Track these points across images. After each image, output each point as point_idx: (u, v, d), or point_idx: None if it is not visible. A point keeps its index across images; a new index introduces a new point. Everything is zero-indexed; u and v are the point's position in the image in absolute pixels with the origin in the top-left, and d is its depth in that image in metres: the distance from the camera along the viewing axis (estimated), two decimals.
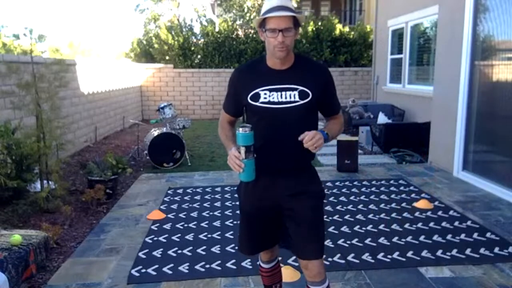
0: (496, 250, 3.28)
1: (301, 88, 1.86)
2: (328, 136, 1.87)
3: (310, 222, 1.90)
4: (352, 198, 4.66)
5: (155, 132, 6.32)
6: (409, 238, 3.53)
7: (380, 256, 3.21)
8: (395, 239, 3.52)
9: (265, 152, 1.86)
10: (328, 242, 3.43)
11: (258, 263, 2.27)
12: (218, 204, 4.52)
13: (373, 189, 4.98)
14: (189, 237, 3.65)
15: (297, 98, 1.85)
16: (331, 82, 1.96)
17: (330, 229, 3.74)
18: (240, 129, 1.77)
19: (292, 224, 1.93)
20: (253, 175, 1.82)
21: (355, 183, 5.25)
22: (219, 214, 4.19)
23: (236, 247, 3.36)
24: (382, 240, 3.51)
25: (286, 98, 1.85)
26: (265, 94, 1.86)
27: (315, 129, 1.94)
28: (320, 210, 1.97)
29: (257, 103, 1.87)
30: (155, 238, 3.62)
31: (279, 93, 1.85)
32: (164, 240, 3.58)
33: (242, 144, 1.76)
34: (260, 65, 1.93)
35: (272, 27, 1.77)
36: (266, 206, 1.95)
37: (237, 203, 4.47)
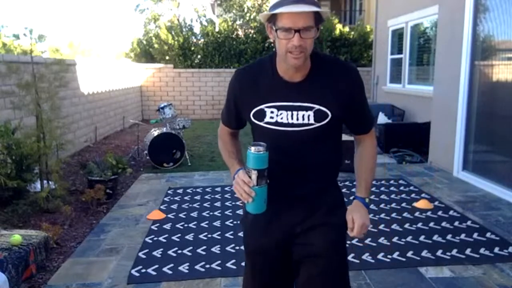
0: (496, 250, 3.28)
1: (317, 107, 1.46)
2: (369, 200, 1.55)
3: (324, 262, 1.53)
4: (352, 198, 4.64)
5: (155, 132, 6.31)
6: (409, 238, 3.53)
7: (380, 256, 3.21)
8: (395, 239, 3.52)
9: (276, 178, 1.49)
10: None
11: None
12: (218, 204, 4.51)
13: (373, 189, 4.98)
14: (189, 237, 3.65)
15: (311, 120, 1.46)
16: (359, 91, 1.51)
17: None
18: (252, 148, 1.40)
19: (302, 262, 1.56)
20: (264, 206, 1.47)
21: (355, 183, 5.24)
22: (219, 214, 4.19)
23: (237, 247, 3.36)
24: (382, 240, 3.51)
25: (298, 119, 1.46)
26: (271, 112, 1.48)
27: (337, 149, 1.63)
28: (342, 245, 1.61)
29: (261, 123, 1.50)
30: (155, 238, 3.62)
31: (289, 113, 1.47)
32: (164, 240, 3.58)
33: (254, 167, 1.41)
34: (267, 72, 1.51)
35: (286, 26, 1.33)
36: (275, 240, 1.58)
37: (238, 203, 4.48)
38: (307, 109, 1.46)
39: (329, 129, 1.49)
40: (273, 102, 1.49)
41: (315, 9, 1.32)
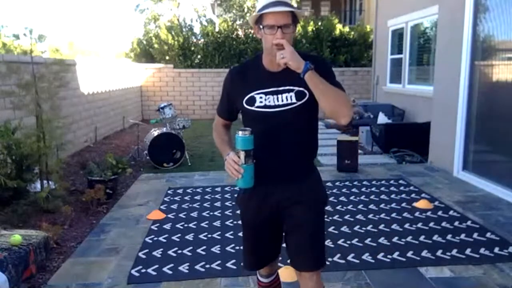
0: (496, 250, 3.28)
1: (297, 88, 1.75)
2: (311, 71, 1.65)
3: (308, 231, 1.82)
4: (352, 198, 4.65)
5: (155, 132, 6.31)
6: (409, 238, 3.53)
7: (380, 256, 3.21)
8: (395, 239, 3.52)
9: (263, 158, 1.77)
10: (328, 242, 3.42)
11: (256, 276, 2.17)
12: (218, 204, 4.51)
13: (373, 189, 4.98)
14: (189, 237, 3.65)
15: (293, 100, 1.75)
16: (327, 71, 1.78)
17: (330, 229, 3.74)
18: (240, 132, 1.69)
19: (289, 233, 1.87)
20: (252, 182, 1.74)
21: (355, 183, 5.25)
22: (219, 214, 4.19)
23: (237, 247, 3.36)
24: (382, 240, 3.51)
25: (282, 100, 1.76)
26: (260, 98, 1.77)
27: (316, 130, 1.90)
28: (320, 219, 1.89)
29: (252, 108, 1.79)
30: (155, 238, 3.62)
31: (275, 96, 1.76)
32: (164, 240, 3.58)
33: (241, 148, 1.68)
34: (255, 67, 1.83)
35: (270, 24, 1.66)
36: (266, 216, 1.88)
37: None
38: (289, 91, 1.76)
39: (308, 107, 1.77)
40: (261, 89, 1.78)
41: (292, 9, 1.68)
